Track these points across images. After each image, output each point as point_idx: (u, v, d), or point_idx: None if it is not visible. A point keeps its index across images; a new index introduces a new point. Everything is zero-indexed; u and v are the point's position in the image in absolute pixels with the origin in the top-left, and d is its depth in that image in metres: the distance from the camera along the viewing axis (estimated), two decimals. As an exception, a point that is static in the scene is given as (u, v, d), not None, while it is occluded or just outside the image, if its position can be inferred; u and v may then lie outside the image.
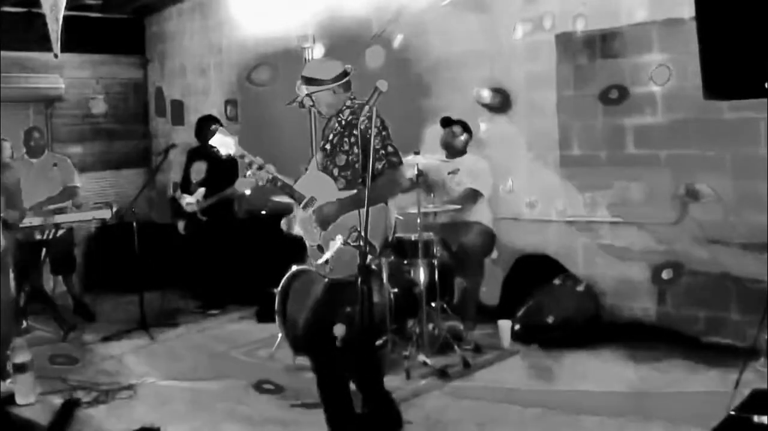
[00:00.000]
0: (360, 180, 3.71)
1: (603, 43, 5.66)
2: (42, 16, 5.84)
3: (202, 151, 7.09)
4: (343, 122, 3.79)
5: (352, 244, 3.60)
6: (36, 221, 6.31)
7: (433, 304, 5.40)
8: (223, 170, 6.86)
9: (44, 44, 5.99)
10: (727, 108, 5.03)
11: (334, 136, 3.81)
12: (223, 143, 3.87)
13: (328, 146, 3.83)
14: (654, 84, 5.42)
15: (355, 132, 3.69)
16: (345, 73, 3.80)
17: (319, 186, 3.79)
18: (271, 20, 7.63)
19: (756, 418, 3.31)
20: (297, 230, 3.86)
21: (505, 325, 5.58)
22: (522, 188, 6.18)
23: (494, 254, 6.05)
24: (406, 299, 5.50)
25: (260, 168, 3.78)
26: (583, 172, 5.88)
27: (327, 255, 3.65)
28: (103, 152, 8.99)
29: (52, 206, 6.59)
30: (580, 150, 5.89)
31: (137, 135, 9.32)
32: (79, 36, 7.79)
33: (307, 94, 3.78)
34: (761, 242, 4.88)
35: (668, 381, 4.74)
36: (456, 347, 5.25)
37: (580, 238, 5.96)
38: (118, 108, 9.13)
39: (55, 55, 5.91)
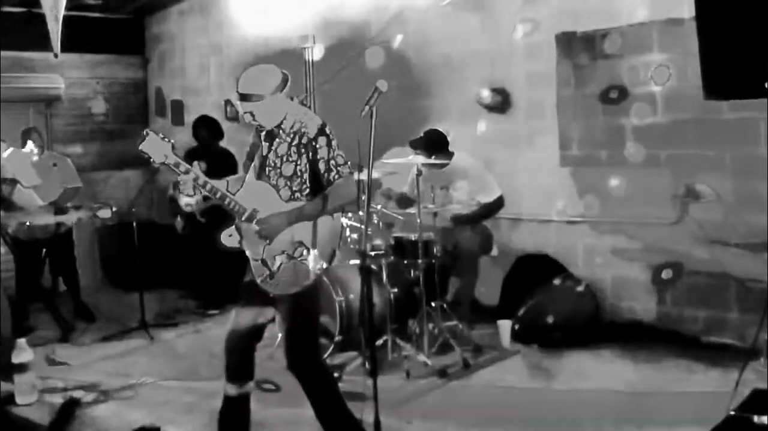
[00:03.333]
0: (306, 190, 3.58)
1: (603, 43, 5.67)
2: (42, 16, 5.84)
3: (200, 151, 7.10)
4: (290, 132, 3.58)
5: (298, 259, 3.54)
6: (36, 221, 6.32)
7: (433, 304, 5.40)
8: (224, 171, 6.85)
9: (44, 44, 5.99)
10: (727, 108, 5.03)
11: (279, 145, 3.59)
12: (156, 148, 3.62)
13: (272, 156, 3.61)
14: (654, 84, 5.42)
15: (303, 141, 3.53)
16: (285, 81, 3.56)
17: (260, 197, 3.61)
18: (271, 20, 7.63)
19: (756, 418, 3.31)
20: (239, 243, 3.65)
21: (505, 325, 5.58)
22: (522, 187, 6.19)
23: (494, 252, 6.05)
24: (406, 299, 5.50)
25: (195, 180, 3.64)
26: (583, 172, 5.88)
27: (273, 269, 3.54)
28: (103, 152, 8.99)
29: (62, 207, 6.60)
30: (580, 150, 5.89)
31: (137, 135, 9.28)
32: (79, 36, 7.77)
33: (246, 112, 3.55)
34: (761, 242, 4.88)
35: (668, 381, 4.74)
36: (456, 347, 5.26)
37: (580, 238, 5.96)
38: (118, 108, 9.12)
39: (55, 55, 5.91)
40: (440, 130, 5.99)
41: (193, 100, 8.83)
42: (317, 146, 3.51)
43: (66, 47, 6.06)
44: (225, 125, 7.66)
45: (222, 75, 8.50)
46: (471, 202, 5.83)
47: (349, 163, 3.59)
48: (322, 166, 3.52)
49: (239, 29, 8.08)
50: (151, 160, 3.65)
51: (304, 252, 3.55)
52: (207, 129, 7.35)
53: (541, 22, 5.96)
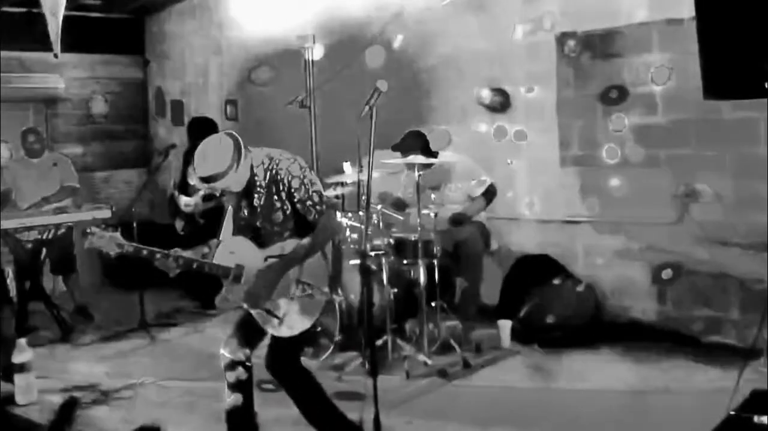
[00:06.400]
0: (294, 228, 3.57)
1: (603, 43, 5.67)
2: (42, 16, 5.83)
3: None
4: (264, 182, 3.56)
5: (302, 296, 3.52)
6: (36, 221, 6.31)
7: (433, 304, 5.40)
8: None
9: (44, 44, 5.98)
10: (727, 108, 5.03)
11: (260, 197, 3.57)
12: (106, 242, 3.46)
13: (255, 210, 3.60)
14: (654, 84, 5.42)
15: (281, 187, 3.52)
16: (238, 144, 3.47)
17: (239, 251, 3.61)
18: (271, 20, 7.62)
19: (756, 418, 3.31)
20: (238, 303, 3.65)
21: (505, 325, 5.58)
22: (522, 188, 6.19)
23: (494, 246, 6.05)
24: (406, 299, 5.50)
25: (166, 257, 3.51)
26: (583, 172, 5.88)
27: (280, 317, 3.53)
28: (103, 152, 9.00)
29: (52, 206, 6.58)
30: (580, 150, 5.89)
31: (137, 135, 9.32)
32: (79, 36, 7.79)
33: (219, 189, 3.53)
34: (761, 242, 4.88)
35: (668, 381, 4.74)
36: (456, 347, 5.25)
37: (580, 238, 5.96)
38: (118, 108, 9.13)
39: (55, 55, 5.91)
40: (421, 131, 5.93)
41: (193, 101, 8.83)
42: (292, 189, 3.51)
43: (66, 47, 6.06)
44: (225, 125, 7.65)
45: (222, 75, 8.51)
46: (464, 197, 5.82)
47: (324, 197, 3.57)
48: (300, 206, 3.52)
49: (239, 29, 8.08)
50: (106, 253, 3.50)
51: (306, 288, 3.53)
52: (201, 131, 7.33)
53: (541, 22, 5.96)
